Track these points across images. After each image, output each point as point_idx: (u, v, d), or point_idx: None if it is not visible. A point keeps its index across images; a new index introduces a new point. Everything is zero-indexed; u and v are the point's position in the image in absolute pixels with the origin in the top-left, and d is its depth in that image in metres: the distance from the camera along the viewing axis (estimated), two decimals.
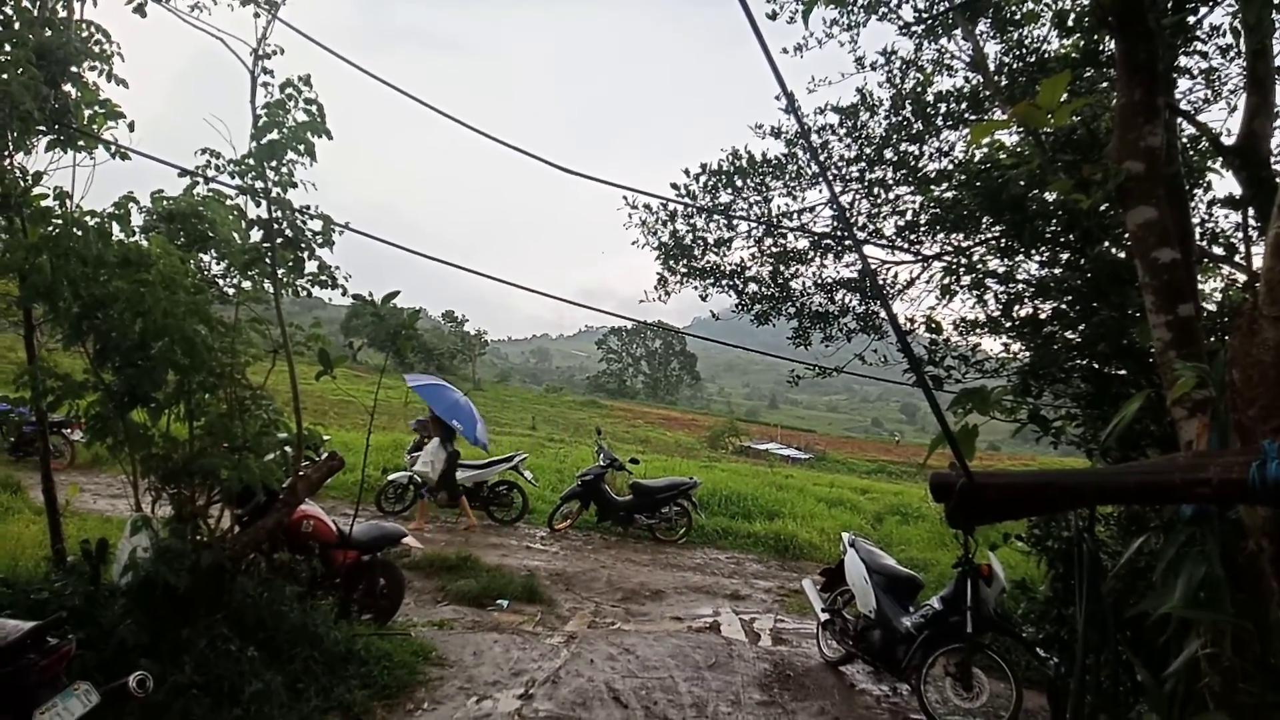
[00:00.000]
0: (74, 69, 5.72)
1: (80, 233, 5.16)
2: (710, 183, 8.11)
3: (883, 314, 8.18)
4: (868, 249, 8.05)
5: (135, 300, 5.08)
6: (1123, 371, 5.66)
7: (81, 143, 5.78)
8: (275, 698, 5.02)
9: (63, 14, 5.72)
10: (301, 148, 5.62)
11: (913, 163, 7.53)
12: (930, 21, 7.60)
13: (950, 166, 7.48)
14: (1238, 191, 5.44)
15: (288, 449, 6.00)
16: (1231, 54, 6.46)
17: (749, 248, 8.48)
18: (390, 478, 13.48)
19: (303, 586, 6.35)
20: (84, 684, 3.89)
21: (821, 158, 7.67)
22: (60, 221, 5.22)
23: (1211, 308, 5.92)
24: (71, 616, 4.63)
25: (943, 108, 7.31)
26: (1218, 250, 6.52)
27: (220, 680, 4.90)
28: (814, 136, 7.68)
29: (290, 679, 5.32)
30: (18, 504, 9.61)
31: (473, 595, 8.74)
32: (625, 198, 8.34)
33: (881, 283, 8.10)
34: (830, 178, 7.76)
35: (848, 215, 7.78)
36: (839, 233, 8.03)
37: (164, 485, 5.50)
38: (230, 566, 5.50)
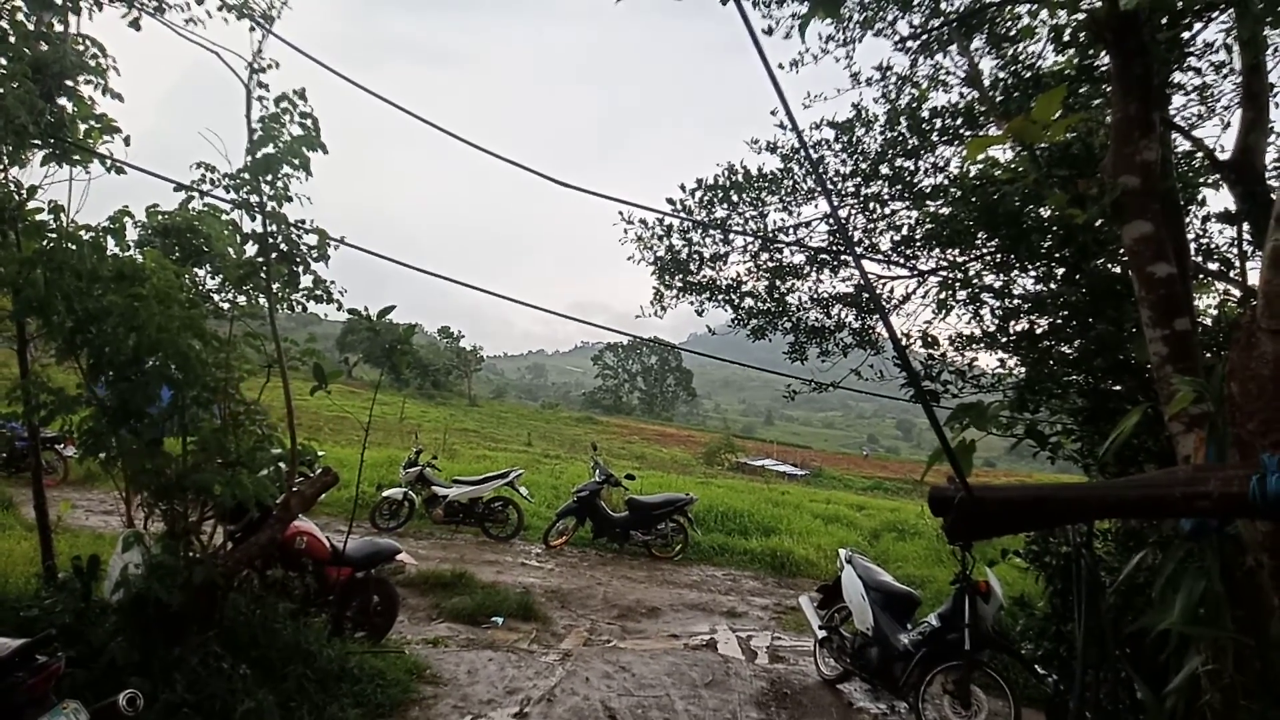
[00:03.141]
0: (69, 83, 5.73)
1: (74, 247, 5.13)
2: (706, 197, 8.12)
3: (880, 329, 8.17)
4: (864, 264, 8.05)
5: (129, 315, 5.05)
6: (1119, 387, 5.65)
7: (77, 157, 5.78)
8: (268, 716, 4.96)
9: (59, 28, 5.73)
10: (297, 161, 5.61)
11: (908, 178, 7.54)
12: (926, 38, 7.64)
13: (945, 182, 7.49)
14: (1232, 206, 5.46)
15: (282, 464, 5.96)
16: (1225, 70, 6.50)
17: (745, 262, 8.49)
18: (385, 494, 13.49)
19: (296, 603, 6.30)
20: (73, 703, 3.83)
21: (818, 172, 7.67)
22: (55, 235, 5.21)
23: (1206, 322, 5.92)
24: (61, 634, 4.58)
25: (938, 123, 7.33)
26: (1212, 266, 6.53)
27: (212, 699, 4.84)
28: (810, 152, 7.69)
29: (283, 697, 5.26)
30: (9, 520, 9.54)
31: (467, 612, 8.68)
32: (621, 212, 8.35)
33: (868, 300, 8.10)
34: (829, 190, 7.76)
35: (846, 229, 7.78)
36: (835, 246, 8.04)
37: (157, 501, 5.44)
38: (223, 583, 5.44)
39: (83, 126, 5.92)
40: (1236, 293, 6.44)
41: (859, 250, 7.86)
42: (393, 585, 7.59)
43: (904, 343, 7.49)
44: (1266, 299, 2.40)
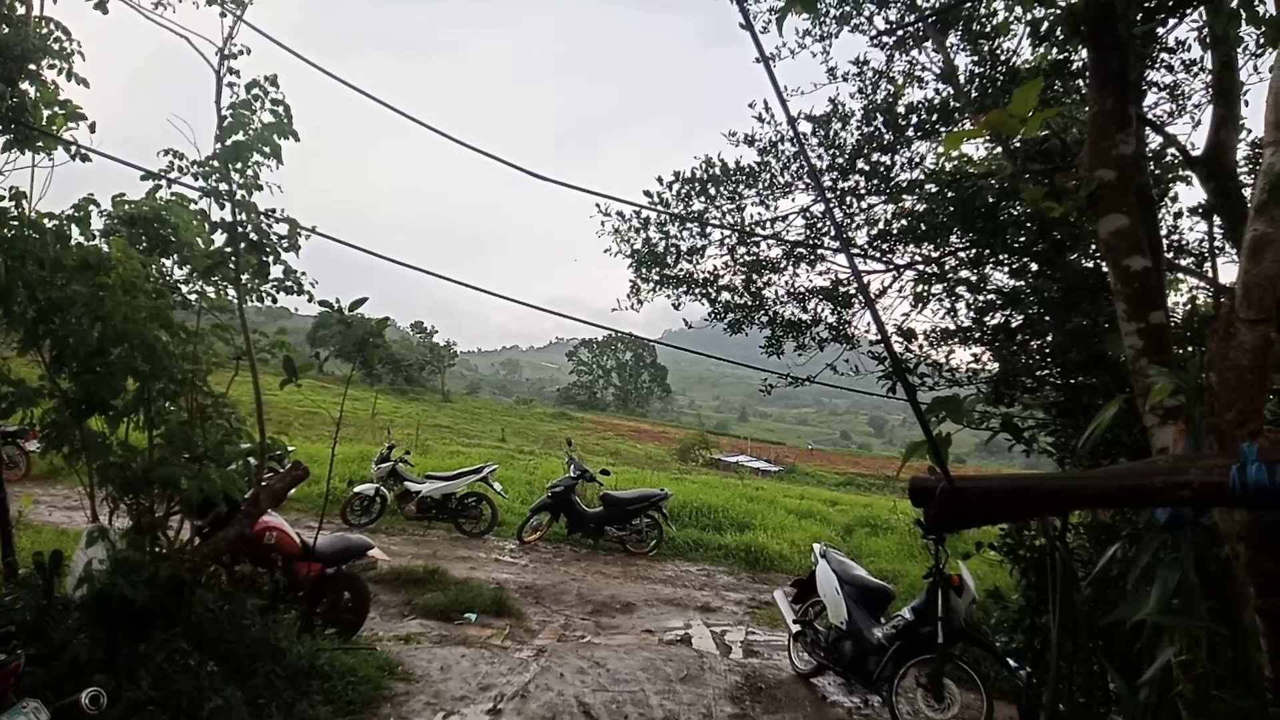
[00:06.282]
0: (32, 67, 5.58)
1: (37, 235, 5.02)
2: (683, 190, 8.09)
3: (855, 323, 8.18)
4: (840, 258, 8.06)
5: (94, 305, 4.94)
6: (1093, 380, 5.69)
7: (39, 143, 5.63)
8: (235, 714, 4.88)
9: (21, 10, 5.57)
10: (267, 149, 5.50)
11: (884, 173, 7.56)
12: (902, 33, 7.65)
13: (921, 177, 7.52)
14: (1204, 202, 5.52)
15: (250, 459, 5.86)
16: (1195, 69, 6.57)
17: (722, 256, 8.48)
18: (356, 490, 13.35)
19: (265, 600, 6.23)
20: (33, 701, 3.74)
21: (798, 164, 7.67)
22: (16, 223, 5.07)
23: (1176, 318, 5.98)
24: (21, 631, 4.47)
25: (914, 119, 7.34)
26: (1183, 261, 6.61)
27: (178, 696, 4.75)
28: (788, 145, 7.69)
29: (251, 695, 5.17)
30: None
31: (440, 609, 8.62)
32: (598, 205, 8.30)
33: (857, 290, 8.11)
34: (815, 171, 7.77)
35: (823, 221, 7.78)
36: (812, 241, 8.04)
37: (122, 495, 5.34)
38: (190, 579, 5.35)
39: (46, 112, 5.76)
40: (1205, 287, 6.52)
41: (836, 244, 7.88)
42: (364, 581, 7.50)
43: (881, 337, 7.51)
44: (1245, 289, 2.40)
